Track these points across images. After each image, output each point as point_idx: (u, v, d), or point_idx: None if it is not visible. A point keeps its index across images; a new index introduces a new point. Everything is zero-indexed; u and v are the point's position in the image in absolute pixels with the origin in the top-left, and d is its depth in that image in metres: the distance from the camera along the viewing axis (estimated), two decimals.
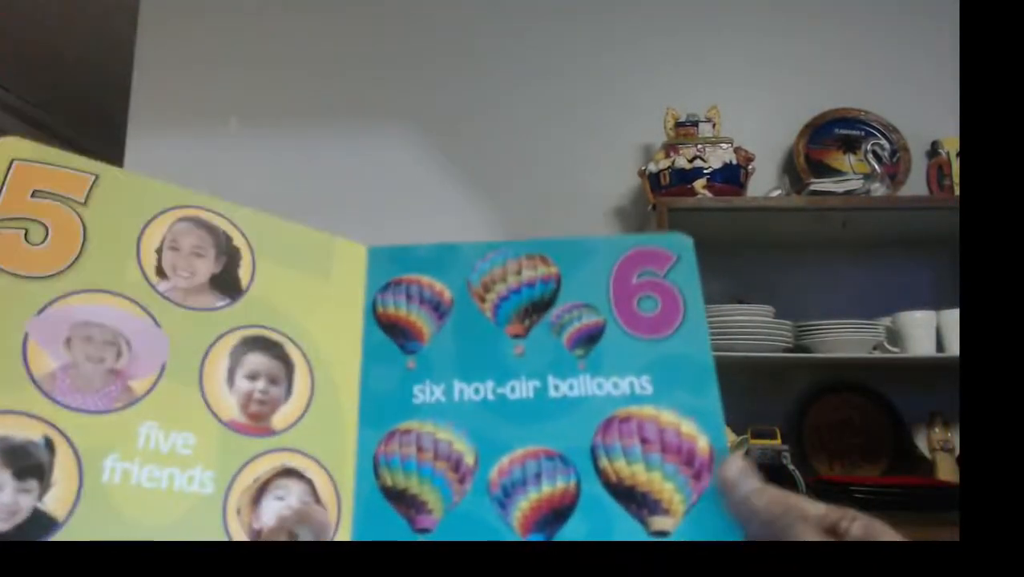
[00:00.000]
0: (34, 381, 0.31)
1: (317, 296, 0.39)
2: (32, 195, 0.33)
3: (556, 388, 0.38)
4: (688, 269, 0.40)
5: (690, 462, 0.35)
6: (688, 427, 0.36)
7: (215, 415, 0.34)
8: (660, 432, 0.36)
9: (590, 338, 0.39)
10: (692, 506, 0.34)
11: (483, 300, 0.40)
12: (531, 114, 1.95)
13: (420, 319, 0.40)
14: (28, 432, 0.30)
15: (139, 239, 0.35)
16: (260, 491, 0.34)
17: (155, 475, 0.32)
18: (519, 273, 0.40)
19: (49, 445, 0.30)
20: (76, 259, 0.33)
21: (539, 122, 1.94)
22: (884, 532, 0.32)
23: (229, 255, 0.37)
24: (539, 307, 0.40)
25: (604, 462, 0.36)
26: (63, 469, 0.30)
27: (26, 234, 0.33)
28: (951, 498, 1.39)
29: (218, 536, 0.32)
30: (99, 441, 0.31)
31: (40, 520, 0.29)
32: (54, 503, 0.29)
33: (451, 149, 1.93)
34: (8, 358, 0.30)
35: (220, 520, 0.32)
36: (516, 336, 0.39)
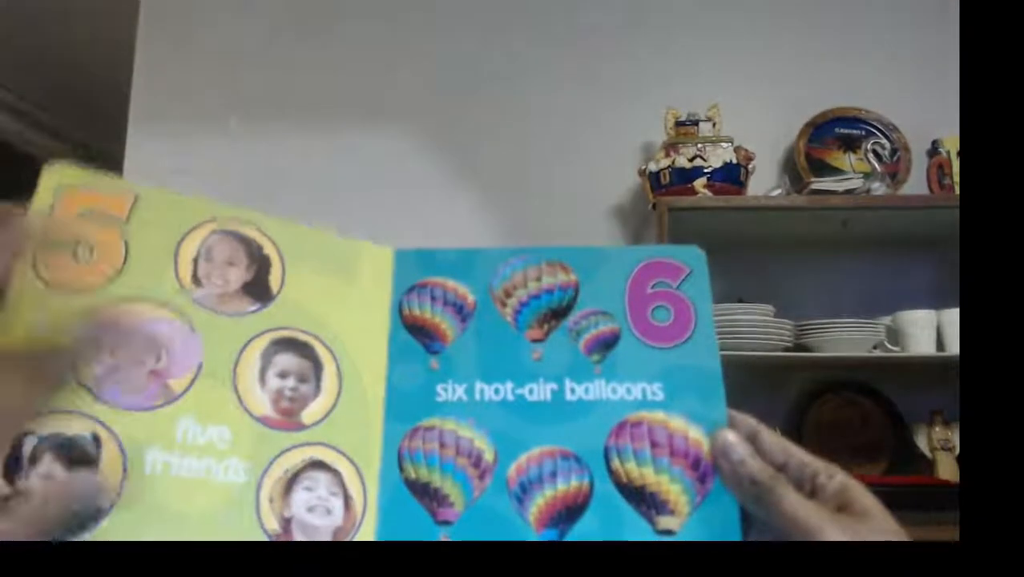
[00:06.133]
0: (83, 383, 0.34)
1: (344, 299, 0.41)
2: (78, 216, 0.36)
3: (572, 391, 0.39)
4: (700, 281, 0.41)
5: (696, 466, 0.37)
6: (695, 433, 0.37)
7: (248, 411, 0.37)
8: (669, 437, 0.37)
9: (606, 344, 0.40)
10: (697, 507, 0.36)
11: (504, 305, 0.41)
12: (531, 114, 1.95)
13: (444, 321, 0.41)
14: (77, 428, 0.33)
15: (176, 251, 0.38)
16: (291, 482, 0.36)
17: (193, 466, 0.34)
18: (539, 279, 0.42)
19: (96, 440, 0.33)
20: (119, 273, 0.37)
21: (539, 122, 1.94)
22: (862, 494, 0.32)
23: (260, 263, 0.40)
24: (558, 313, 0.41)
25: (616, 463, 0.37)
26: (109, 462, 0.33)
27: (74, 253, 0.36)
28: (951, 497, 1.39)
29: (252, 522, 0.35)
30: (141, 436, 0.34)
31: None
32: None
33: (451, 149, 1.93)
34: None
35: (254, 508, 0.35)
36: (535, 340, 0.41)
